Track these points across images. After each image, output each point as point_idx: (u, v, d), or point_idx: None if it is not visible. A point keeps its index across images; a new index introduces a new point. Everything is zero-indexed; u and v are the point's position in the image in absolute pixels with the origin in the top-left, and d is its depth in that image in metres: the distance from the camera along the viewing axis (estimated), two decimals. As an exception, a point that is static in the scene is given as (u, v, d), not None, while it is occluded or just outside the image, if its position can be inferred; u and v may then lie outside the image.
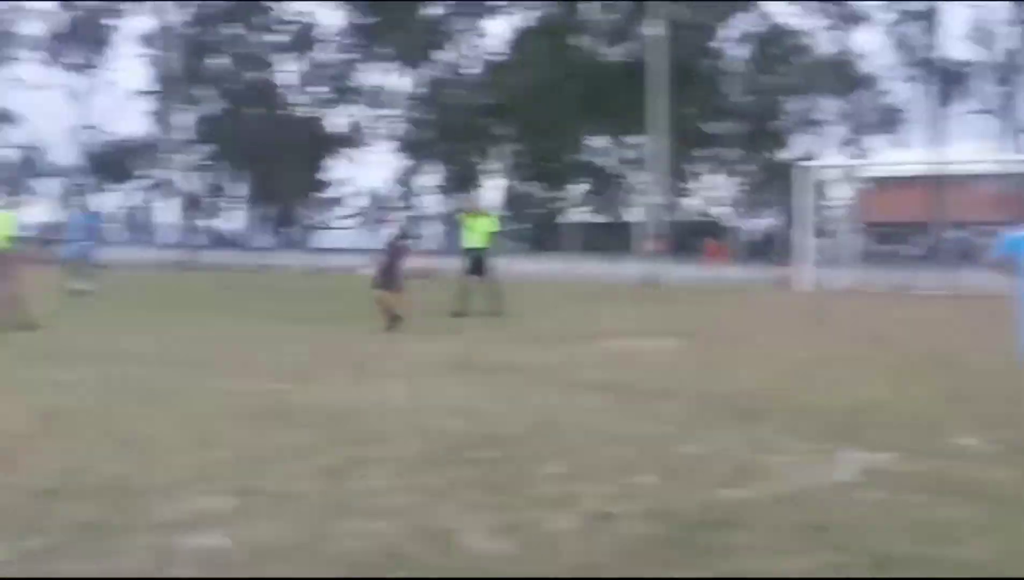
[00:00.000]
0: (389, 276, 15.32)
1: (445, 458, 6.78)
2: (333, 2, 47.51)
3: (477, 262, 17.80)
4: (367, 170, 50.32)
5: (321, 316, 17.44)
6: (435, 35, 47.39)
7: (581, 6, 45.36)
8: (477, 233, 18.26)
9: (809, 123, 44.74)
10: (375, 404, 8.59)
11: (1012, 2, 36.99)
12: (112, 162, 54.30)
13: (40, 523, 5.28)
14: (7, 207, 16.89)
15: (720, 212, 47.08)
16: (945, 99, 38.70)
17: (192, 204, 51.70)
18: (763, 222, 46.63)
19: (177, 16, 50.24)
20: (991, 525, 5.38)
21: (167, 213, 52.28)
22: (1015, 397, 9.32)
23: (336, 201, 50.64)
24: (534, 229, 47.94)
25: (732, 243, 39.38)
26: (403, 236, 16.56)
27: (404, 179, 50.10)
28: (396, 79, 49.00)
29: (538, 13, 46.83)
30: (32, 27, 53.37)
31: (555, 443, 7.36)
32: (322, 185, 51.97)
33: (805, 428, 7.84)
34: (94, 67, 53.47)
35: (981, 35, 38.44)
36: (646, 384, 10.10)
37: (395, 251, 15.83)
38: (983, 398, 9.36)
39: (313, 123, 49.94)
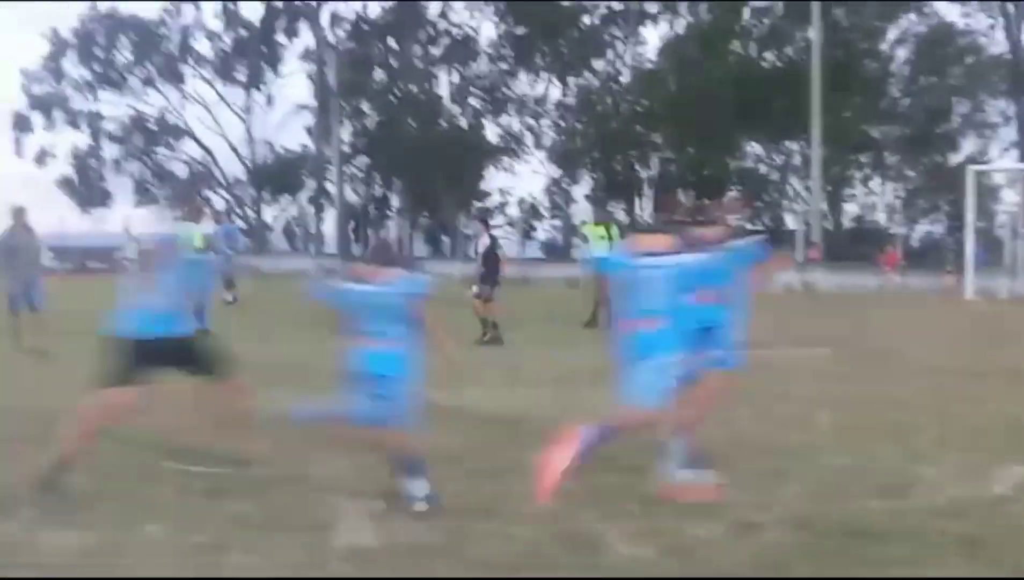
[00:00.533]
0: (482, 284, 15.31)
1: (592, 465, 6.85)
2: (488, 8, 48.06)
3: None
4: (522, 180, 50.91)
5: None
6: (591, 44, 47.53)
7: (736, 10, 44.81)
8: (602, 243, 17.91)
9: (977, 125, 43.09)
10: (523, 409, 8.72)
11: None
12: (276, 175, 56.32)
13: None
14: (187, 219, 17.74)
15: (880, 218, 45.77)
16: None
17: (351, 215, 53.12)
18: (925, 229, 45.13)
19: (337, 31, 51.83)
20: None
21: (328, 224, 53.95)
22: None
23: (492, 211, 51.31)
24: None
25: (902, 251, 38.24)
26: (496, 244, 16.48)
27: (557, 189, 50.37)
28: (551, 88, 49.39)
29: (692, 19, 46.49)
30: (202, 45, 55.93)
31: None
32: (479, 195, 52.71)
33: (960, 441, 7.61)
34: (262, 83, 55.61)
35: None
36: (797, 393, 9.95)
37: (487, 259, 15.74)
38: None
39: (469, 133, 50.69)
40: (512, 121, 50.50)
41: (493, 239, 16.68)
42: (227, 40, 55.49)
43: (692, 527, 5.45)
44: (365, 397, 5.69)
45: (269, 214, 59.22)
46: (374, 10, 51.79)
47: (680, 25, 46.98)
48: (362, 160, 54.02)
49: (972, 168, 29.10)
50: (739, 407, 9.14)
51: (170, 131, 57.12)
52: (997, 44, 40.98)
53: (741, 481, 6.40)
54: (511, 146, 50.61)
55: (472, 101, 51.12)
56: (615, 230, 18.40)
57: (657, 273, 5.84)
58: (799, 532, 5.37)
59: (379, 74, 52.57)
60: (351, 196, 53.89)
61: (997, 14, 40.10)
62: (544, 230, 52.78)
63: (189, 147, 57.89)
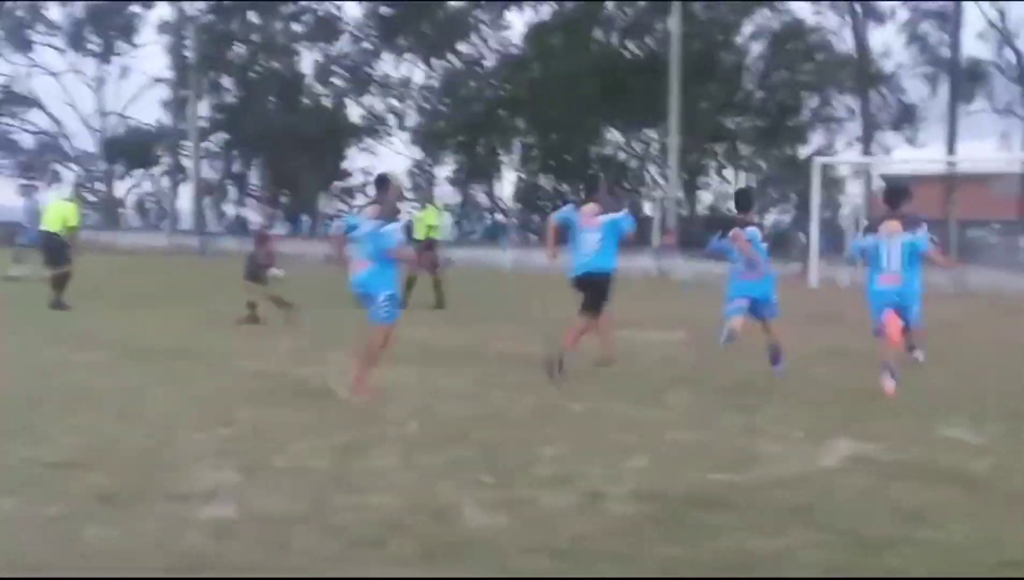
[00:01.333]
0: (255, 266, 14.59)
1: (451, 438, 7.06)
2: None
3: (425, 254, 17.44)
4: (384, 161, 50.61)
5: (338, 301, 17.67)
6: (456, 27, 47.60)
7: (600, 0, 45.52)
8: (425, 225, 18.16)
9: (825, 120, 44.80)
10: (385, 387, 8.84)
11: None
12: (130, 149, 54.75)
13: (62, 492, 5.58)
14: (69, 197, 17.40)
15: (733, 207, 47.25)
16: (961, 97, 38.70)
17: (206, 191, 52.03)
18: (775, 218, 46.71)
19: (197, 3, 50.56)
20: (970, 511, 5.60)
21: (184, 201, 52.75)
22: (1008, 393, 9.51)
23: (353, 191, 50.93)
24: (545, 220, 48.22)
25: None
26: (268, 225, 16.14)
27: (420, 171, 50.35)
28: (415, 70, 49.28)
29: (556, 7, 46.99)
30: (53, 12, 53.86)
31: (558, 427, 7.62)
32: (340, 175, 52.25)
33: (798, 417, 8.06)
34: (115, 54, 53.89)
35: (998, 34, 38.48)
36: (652, 373, 10.33)
37: (260, 240, 15.42)
38: (978, 394, 9.53)
39: (332, 113, 50.19)
40: (375, 101, 50.27)
41: (267, 220, 16.54)
42: (79, 7, 53.55)
43: (545, 498, 5.69)
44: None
45: (121, 189, 57.64)
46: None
47: (545, 12, 47.46)
48: (221, 136, 52.95)
49: (818, 160, 30.27)
50: (591, 386, 9.51)
51: (16, 100, 54.90)
52: (845, 42, 42.69)
53: (594, 455, 6.69)
54: (374, 127, 50.34)
55: (335, 80, 50.63)
56: (439, 213, 18.38)
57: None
58: (646, 503, 5.65)
59: (240, 49, 51.57)
60: (208, 172, 52.77)
61: (845, 14, 41.71)
62: (407, 212, 52.69)
63: (37, 117, 55.83)
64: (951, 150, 37.91)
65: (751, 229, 10.14)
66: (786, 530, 5.26)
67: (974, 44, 39.11)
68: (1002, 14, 38.13)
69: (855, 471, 6.42)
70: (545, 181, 49.18)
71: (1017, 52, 38.16)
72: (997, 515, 5.54)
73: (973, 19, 38.63)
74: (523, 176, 48.60)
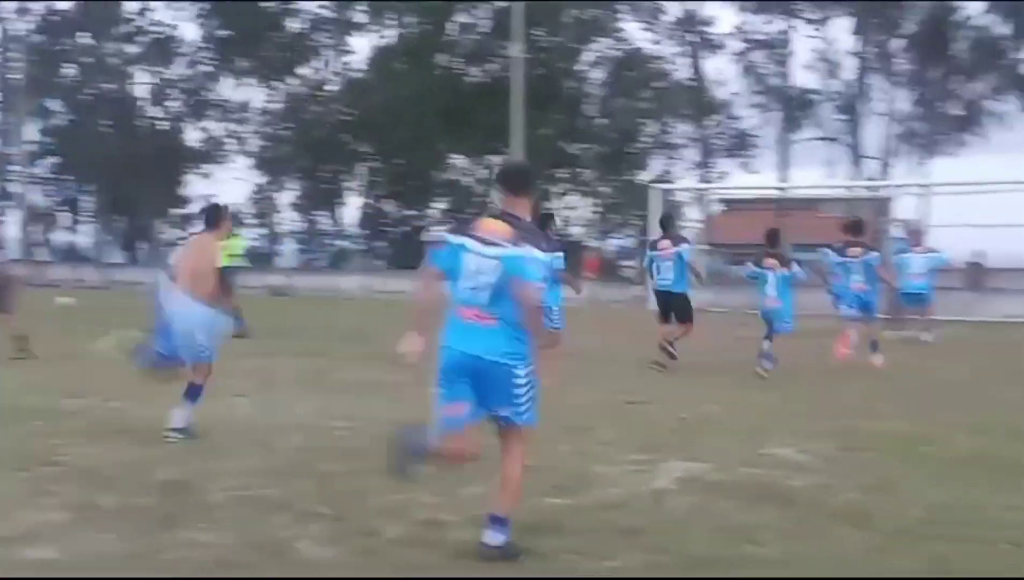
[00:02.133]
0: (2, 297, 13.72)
1: (289, 471, 6.97)
2: (190, 8, 46.57)
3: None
4: (224, 186, 49.47)
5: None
6: (297, 50, 47.07)
7: (442, 24, 45.73)
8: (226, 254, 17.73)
9: (664, 146, 45.94)
10: (221, 420, 8.67)
11: (854, 34, 38.85)
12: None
13: None
14: None
15: (577, 232, 47.91)
16: (791, 126, 40.32)
17: (36, 218, 50.04)
18: (617, 242, 47.61)
19: (23, 24, 48.69)
20: (790, 529, 5.83)
21: (12, 227, 50.53)
22: (836, 409, 9.94)
23: (192, 217, 49.70)
24: (393, 247, 47.96)
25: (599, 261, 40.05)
26: (9, 257, 15.49)
27: (261, 196, 49.45)
28: (255, 94, 48.46)
29: (400, 31, 47.01)
30: None
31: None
32: (179, 201, 50.89)
33: (630, 440, 8.24)
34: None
35: (825, 65, 40.20)
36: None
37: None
38: (805, 412, 9.93)
39: (168, 137, 48.93)
40: (214, 125, 49.18)
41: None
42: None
43: (383, 528, 5.68)
44: None
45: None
46: (65, 3, 49.05)
47: (388, 36, 47.42)
48: (52, 160, 50.98)
49: (656, 186, 31.07)
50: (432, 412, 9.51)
51: None
52: (683, 71, 43.89)
53: (432, 483, 6.68)
54: (213, 151, 49.24)
55: (172, 103, 49.37)
56: (240, 242, 17.84)
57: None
58: (479, 529, 5.69)
59: (70, 70, 49.82)
60: (39, 199, 50.73)
61: (683, 43, 42.96)
62: (248, 238, 51.64)
63: None
64: (783, 177, 39.44)
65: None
66: (616, 552, 5.39)
67: (803, 74, 40.80)
68: (828, 45, 39.90)
69: (684, 491, 6.61)
70: (390, 206, 49.03)
71: (842, 82, 39.94)
72: (815, 532, 5.78)
73: (801, 50, 40.30)
74: (368, 201, 48.38)
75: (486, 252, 5.34)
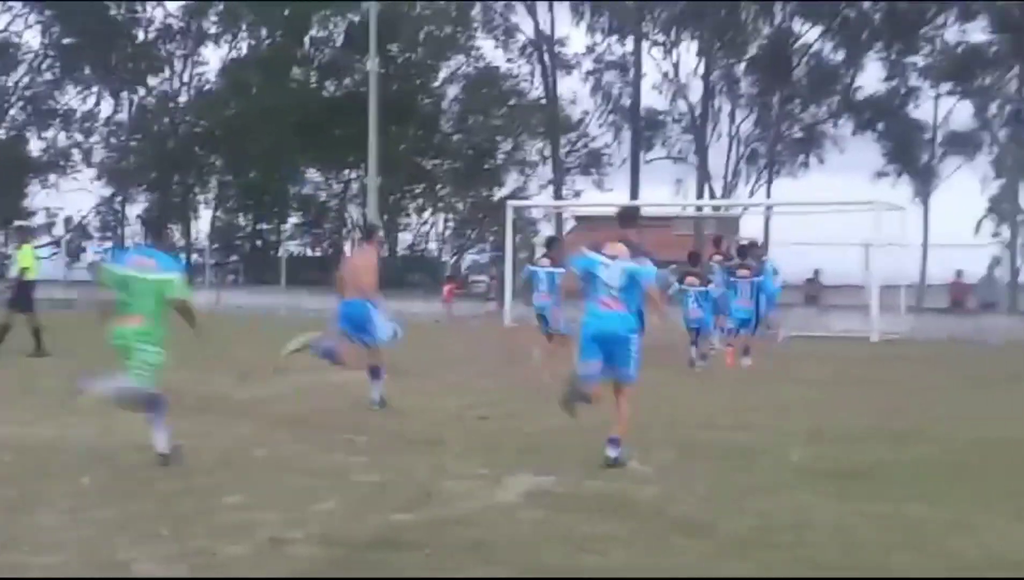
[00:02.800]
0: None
1: (128, 491, 6.81)
2: (32, 14, 44.89)
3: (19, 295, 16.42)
4: (70, 198, 47.84)
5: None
6: (147, 60, 45.92)
7: (297, 38, 45.29)
8: (19, 266, 17.11)
9: (519, 163, 46.43)
10: (58, 439, 8.42)
11: (700, 56, 40.04)
12: None
13: None
14: None
15: (433, 248, 48.05)
16: (641, 145, 41.23)
17: None
18: (472, 258, 47.91)
19: None
20: (632, 538, 5.99)
21: None
22: (677, 422, 10.22)
23: (36, 230, 47.85)
24: (246, 262, 47.18)
25: (461, 281, 40.01)
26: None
27: (108, 209, 47.98)
28: (102, 103, 47.05)
29: (253, 43, 46.37)
30: None
31: (241, 474, 7.52)
32: (21, 213, 48.92)
33: (480, 454, 8.32)
34: None
35: (672, 86, 41.30)
36: (339, 417, 10.36)
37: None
38: (649, 424, 10.17)
39: (10, 146, 47.03)
40: (59, 135, 47.50)
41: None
42: None
43: (224, 547, 5.60)
44: None
45: None
46: None
47: (241, 47, 46.74)
48: None
49: (511, 203, 31.41)
50: (279, 431, 9.44)
51: None
52: (536, 89, 44.49)
53: (275, 500, 6.65)
54: (58, 162, 47.56)
55: (13, 112, 47.50)
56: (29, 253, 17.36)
57: None
58: (327, 546, 5.69)
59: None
60: None
61: (536, 62, 43.57)
62: (95, 251, 50.00)
63: None
64: (634, 195, 40.27)
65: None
66: (464, 566, 5.44)
67: (652, 95, 41.82)
68: (675, 67, 41.00)
69: (531, 505, 6.71)
70: (244, 220, 48.23)
71: (689, 103, 41.08)
72: (655, 541, 5.95)
73: (650, 70, 41.30)
74: (220, 215, 47.51)
75: (613, 264, 8.05)
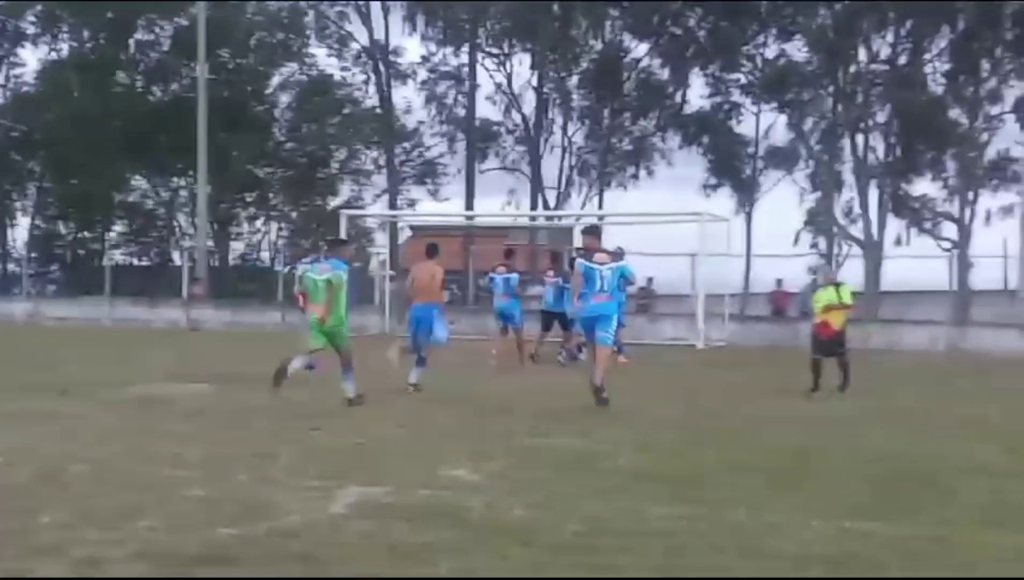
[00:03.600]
0: None
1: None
2: None
3: None
4: None
5: None
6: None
7: (122, 41, 43.87)
8: None
9: (353, 172, 46.09)
10: None
11: (533, 69, 40.61)
12: None
13: None
14: None
15: (265, 257, 47.19)
16: (476, 156, 41.52)
17: None
18: (305, 268, 47.14)
19: None
20: (460, 546, 6.03)
21: None
22: (512, 431, 10.34)
23: None
24: (67, 271, 45.36)
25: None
26: None
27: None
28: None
29: (75, 44, 44.71)
30: None
31: (61, 491, 7.25)
32: None
33: (310, 466, 8.24)
34: None
35: (506, 98, 41.78)
36: (173, 429, 10.09)
37: None
38: (481, 433, 10.26)
39: None
40: None
41: None
42: None
43: (38, 568, 5.41)
44: None
45: None
46: None
47: (62, 49, 44.99)
48: None
49: (344, 212, 31.18)
50: (109, 444, 9.15)
51: None
52: (371, 98, 44.30)
53: (97, 519, 6.43)
54: None
55: None
56: None
57: None
58: (149, 563, 5.55)
59: None
60: None
61: (370, 71, 43.36)
62: None
63: None
64: (469, 205, 40.54)
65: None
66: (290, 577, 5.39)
67: (486, 106, 42.17)
68: (509, 79, 41.48)
69: (361, 516, 6.68)
70: (65, 228, 46.38)
71: (523, 115, 41.60)
72: (484, 549, 6.00)
73: (485, 81, 41.67)
74: (39, 223, 45.62)
75: (603, 268, 12.24)
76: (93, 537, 5.98)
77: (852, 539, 6.31)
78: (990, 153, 35.98)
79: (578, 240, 34.73)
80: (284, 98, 46.08)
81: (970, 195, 35.69)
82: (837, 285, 14.62)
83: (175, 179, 45.56)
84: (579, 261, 12.47)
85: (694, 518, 6.72)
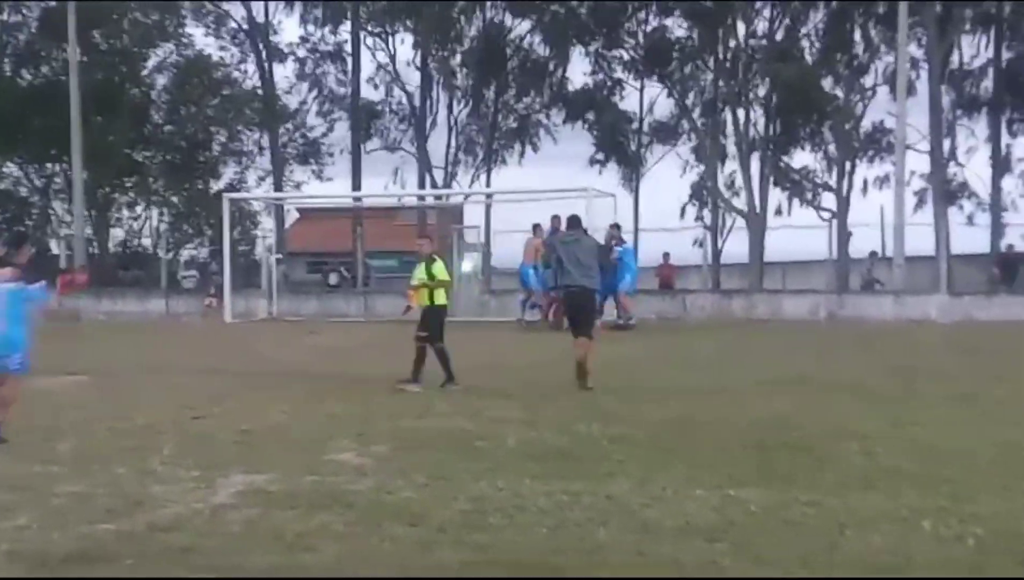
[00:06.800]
0: None
1: None
2: None
3: None
4: None
5: None
6: None
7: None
8: None
9: (235, 154, 45.17)
10: None
11: (416, 48, 40.31)
12: None
13: None
14: None
15: (147, 243, 46.04)
16: (360, 136, 41.03)
17: None
18: (190, 253, 46.26)
19: None
20: (345, 531, 5.97)
21: None
22: (398, 411, 10.27)
23: None
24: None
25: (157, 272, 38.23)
26: None
27: None
28: None
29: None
30: None
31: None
32: None
33: (193, 456, 8.06)
34: None
35: (389, 77, 41.37)
36: (45, 423, 9.76)
37: None
38: (367, 416, 10.18)
39: None
40: None
41: None
42: None
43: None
44: None
45: None
46: None
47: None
48: None
49: (227, 196, 30.57)
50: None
51: None
52: (251, 79, 43.40)
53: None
54: None
55: None
56: None
57: None
58: (20, 562, 5.39)
59: None
60: None
61: (250, 51, 42.49)
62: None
63: None
64: (356, 186, 40.07)
65: None
66: (170, 573, 5.26)
67: (369, 86, 41.63)
68: (392, 58, 41.09)
69: (244, 505, 6.57)
70: None
71: (407, 93, 41.25)
72: (371, 533, 5.95)
73: (367, 62, 41.11)
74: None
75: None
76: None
77: (731, 507, 6.43)
78: (865, 125, 36.98)
79: (469, 218, 34.83)
80: (161, 80, 44.84)
81: (847, 166, 36.66)
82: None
83: (49, 165, 44.07)
84: None
85: (578, 493, 6.77)
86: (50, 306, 11.05)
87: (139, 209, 46.21)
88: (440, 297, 12.54)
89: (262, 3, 41.26)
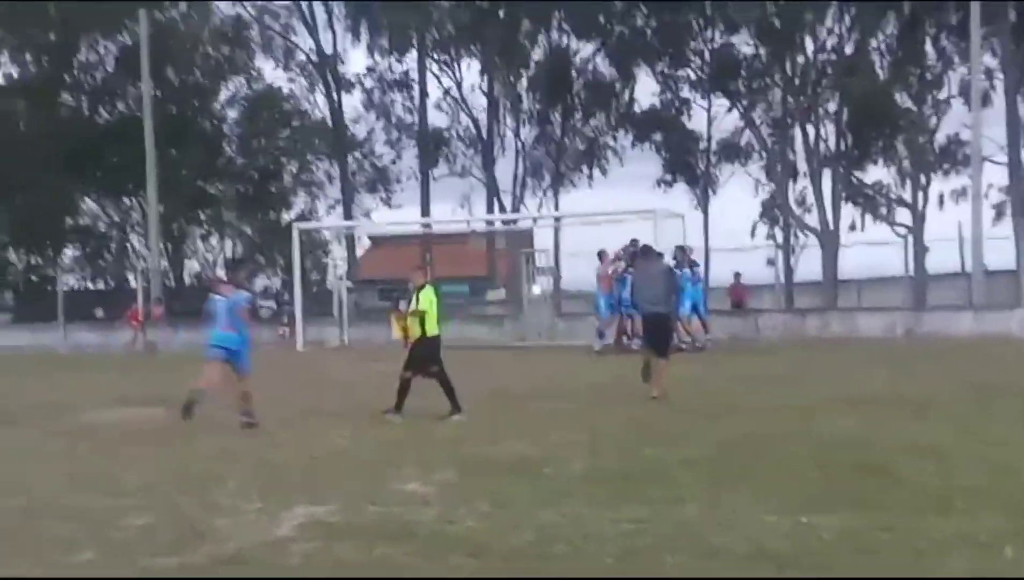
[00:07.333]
0: None
1: None
2: None
3: None
4: None
5: None
6: None
7: (65, 63, 43.23)
8: None
9: (306, 184, 45.69)
10: None
11: (482, 74, 40.44)
12: None
13: None
14: None
15: (222, 275, 46.64)
16: (428, 162, 41.22)
17: None
18: (264, 283, 46.80)
19: None
20: (411, 563, 5.87)
21: None
22: (458, 440, 10.16)
23: None
24: (19, 298, 44.60)
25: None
26: None
27: None
28: None
29: (17, 68, 43.99)
30: None
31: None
32: None
33: (256, 489, 8.02)
34: None
35: (456, 103, 41.54)
36: (120, 455, 9.84)
37: None
38: (429, 443, 10.09)
39: None
40: None
41: None
42: None
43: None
44: None
45: None
46: None
47: (2, 72, 44.28)
48: None
49: (297, 225, 30.87)
50: (38, 474, 8.88)
51: None
52: (320, 109, 43.90)
53: (31, 552, 6.23)
54: None
55: None
56: None
57: None
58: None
59: None
60: None
61: (318, 82, 43.00)
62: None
63: None
64: (425, 212, 40.25)
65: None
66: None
67: (436, 112, 41.85)
68: (458, 84, 41.28)
69: (305, 537, 6.49)
70: (15, 256, 45.52)
71: (474, 119, 41.37)
72: (433, 562, 5.85)
73: (433, 87, 41.36)
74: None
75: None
76: (24, 572, 5.76)
77: (803, 533, 6.22)
78: (940, 137, 36.27)
79: (539, 242, 34.72)
80: (232, 113, 45.59)
81: (922, 180, 35.96)
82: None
83: (126, 200, 44.98)
84: None
85: (644, 519, 6.60)
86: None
87: (213, 240, 46.96)
88: (432, 327, 12.17)
89: (330, 34, 41.75)
